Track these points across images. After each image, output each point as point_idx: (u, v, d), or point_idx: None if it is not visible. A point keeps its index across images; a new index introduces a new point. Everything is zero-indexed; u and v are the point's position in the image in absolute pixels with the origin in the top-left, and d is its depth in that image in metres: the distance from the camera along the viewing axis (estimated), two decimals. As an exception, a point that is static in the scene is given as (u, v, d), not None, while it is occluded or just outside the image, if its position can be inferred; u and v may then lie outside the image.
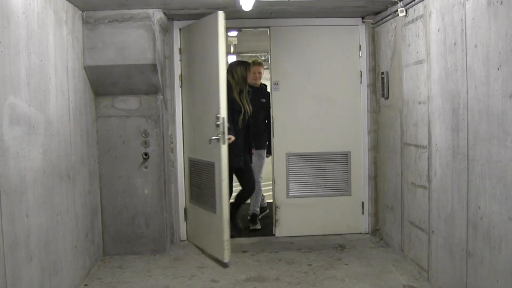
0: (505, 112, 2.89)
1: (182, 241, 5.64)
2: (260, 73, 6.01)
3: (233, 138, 5.10)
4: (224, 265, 4.73)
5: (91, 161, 4.76)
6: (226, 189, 4.71)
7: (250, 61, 5.89)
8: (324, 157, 5.74)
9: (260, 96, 6.13)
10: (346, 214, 5.78)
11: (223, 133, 4.60)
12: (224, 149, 4.61)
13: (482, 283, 3.24)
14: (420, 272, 4.36)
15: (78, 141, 4.32)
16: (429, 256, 4.16)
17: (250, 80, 5.67)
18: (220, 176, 4.66)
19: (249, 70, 5.65)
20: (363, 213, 5.78)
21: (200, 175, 5.20)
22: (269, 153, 6.10)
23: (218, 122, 4.62)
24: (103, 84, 4.85)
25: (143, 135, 5.02)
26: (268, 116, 5.90)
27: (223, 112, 4.59)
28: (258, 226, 6.04)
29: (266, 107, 5.97)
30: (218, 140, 4.63)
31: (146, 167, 5.05)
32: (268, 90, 6.08)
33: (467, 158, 3.41)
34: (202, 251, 5.20)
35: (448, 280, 3.79)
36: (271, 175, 5.72)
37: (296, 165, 5.72)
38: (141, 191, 5.07)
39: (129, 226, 5.09)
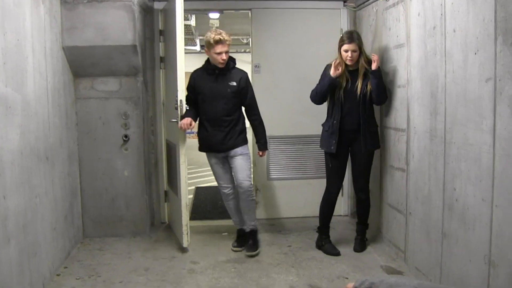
0: (481, 96, 2.93)
1: (163, 223, 5.65)
2: (226, 52, 4.47)
3: (186, 121, 4.43)
4: (184, 250, 4.74)
5: (70, 143, 4.73)
6: (184, 171, 4.68)
7: (213, 39, 4.42)
8: (305, 140, 5.77)
9: (228, 79, 4.64)
10: (326, 196, 5.82)
11: (181, 115, 4.59)
12: (181, 132, 4.58)
13: (456, 262, 3.31)
14: (398, 253, 4.43)
15: (57, 123, 4.28)
16: (406, 237, 4.23)
17: (213, 61, 4.54)
18: (179, 158, 4.65)
19: (211, 49, 4.47)
20: (342, 195, 5.82)
21: (172, 157, 5.20)
22: (263, 148, 4.84)
23: (175, 105, 4.63)
24: (83, 65, 4.80)
25: (123, 117, 5.00)
26: (237, 104, 4.67)
27: (180, 95, 4.56)
28: (256, 252, 4.67)
29: (237, 94, 4.62)
30: (177, 122, 4.62)
31: (126, 149, 5.03)
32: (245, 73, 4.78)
33: (444, 141, 3.46)
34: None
35: (424, 260, 3.86)
36: (252, 158, 5.73)
37: (277, 147, 5.74)
38: (121, 173, 5.05)
39: (110, 209, 5.08)
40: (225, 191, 4.73)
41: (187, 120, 4.46)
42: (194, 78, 4.64)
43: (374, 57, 4.40)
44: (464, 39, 3.14)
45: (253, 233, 4.76)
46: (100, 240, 4.97)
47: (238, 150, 4.59)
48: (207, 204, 6.71)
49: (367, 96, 4.47)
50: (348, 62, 4.42)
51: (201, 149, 4.73)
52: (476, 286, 3.02)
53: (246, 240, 4.75)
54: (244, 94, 4.63)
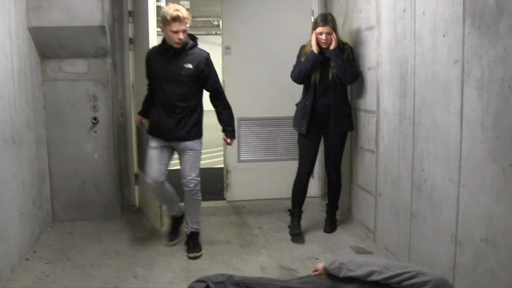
0: (450, 78, 2.97)
1: (133, 206, 5.62)
2: (184, 31, 3.91)
3: (137, 119, 4.57)
4: (155, 232, 4.75)
5: (38, 126, 4.64)
6: None
7: (170, 16, 3.87)
8: (276, 122, 5.78)
9: (183, 61, 4.04)
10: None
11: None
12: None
13: (424, 242, 3.38)
14: (367, 233, 4.50)
15: (23, 106, 4.20)
16: (376, 218, 4.29)
17: (168, 40, 3.98)
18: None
19: (167, 27, 3.91)
20: (313, 177, 5.86)
21: (143, 139, 5.15)
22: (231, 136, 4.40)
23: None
24: (50, 46, 4.69)
25: (92, 100, 4.92)
26: (195, 90, 4.13)
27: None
28: (200, 253, 4.23)
29: (195, 78, 4.06)
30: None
31: (95, 132, 4.96)
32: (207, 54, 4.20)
33: (413, 123, 3.50)
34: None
35: (393, 240, 3.92)
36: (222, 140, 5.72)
37: (247, 129, 5.74)
38: (91, 156, 4.99)
39: (79, 192, 5.02)
40: (148, 180, 4.17)
41: (137, 118, 4.51)
42: (148, 58, 4.18)
43: (333, 37, 4.39)
44: (433, 22, 3.17)
45: (194, 236, 4.26)
46: (70, 224, 4.92)
47: (189, 144, 4.12)
48: (178, 187, 6.66)
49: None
50: (323, 45, 4.39)
51: (149, 131, 4.25)
52: (443, 264, 3.09)
53: (178, 235, 4.47)
54: (204, 78, 4.11)
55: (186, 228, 4.30)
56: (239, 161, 5.79)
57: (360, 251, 4.23)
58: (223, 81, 5.62)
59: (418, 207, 3.47)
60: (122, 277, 3.73)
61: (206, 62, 4.08)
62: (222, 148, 5.88)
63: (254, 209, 5.50)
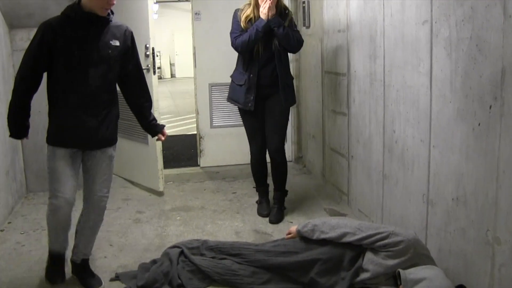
0: (418, 38, 2.96)
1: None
2: None
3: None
4: (160, 193, 4.80)
5: (8, 97, 4.51)
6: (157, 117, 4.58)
7: None
8: (247, 87, 5.72)
9: (108, 35, 2.98)
10: (270, 143, 5.86)
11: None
12: None
13: (396, 203, 3.42)
14: (341, 196, 4.54)
15: (-10, 76, 4.08)
16: (349, 181, 4.33)
17: (91, 5, 2.86)
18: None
19: None
20: (286, 141, 5.87)
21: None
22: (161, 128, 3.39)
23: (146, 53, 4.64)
24: (18, 16, 4.54)
25: (60, 69, 4.79)
26: (117, 75, 3.11)
27: (152, 42, 4.55)
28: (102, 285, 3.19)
29: (119, 58, 3.04)
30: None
31: (64, 102, 4.85)
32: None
33: (384, 84, 3.50)
34: (132, 183, 5.19)
35: (366, 202, 3.97)
36: (194, 106, 5.67)
37: (219, 95, 5.67)
38: (61, 126, 4.89)
39: (51, 163, 4.94)
40: (60, 202, 2.96)
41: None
42: (52, 32, 2.85)
43: (265, 4, 3.92)
44: (402, -18, 3.14)
45: (87, 263, 3.24)
46: (44, 195, 4.81)
47: (109, 150, 3.12)
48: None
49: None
50: (264, 10, 3.94)
51: (54, 140, 3.00)
52: (415, 224, 3.14)
53: (76, 272, 3.24)
54: (128, 59, 3.11)
55: (75, 255, 3.21)
56: (212, 126, 5.74)
57: (334, 213, 4.28)
58: (194, 47, 5.55)
59: (390, 168, 3.50)
60: (97, 245, 3.69)
61: (131, 37, 3.12)
62: (194, 115, 5.83)
63: (228, 174, 5.50)
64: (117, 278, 3.23)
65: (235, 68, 4.27)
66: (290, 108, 4.37)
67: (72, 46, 2.87)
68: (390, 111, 3.43)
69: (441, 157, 2.80)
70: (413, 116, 3.10)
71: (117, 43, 2.99)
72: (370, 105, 3.76)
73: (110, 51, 2.97)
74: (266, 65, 4.07)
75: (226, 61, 5.61)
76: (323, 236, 2.99)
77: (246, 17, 4.05)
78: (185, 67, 19.37)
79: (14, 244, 3.78)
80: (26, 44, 4.63)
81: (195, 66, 5.61)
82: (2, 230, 4.02)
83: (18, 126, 3.07)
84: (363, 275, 2.80)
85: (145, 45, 4.71)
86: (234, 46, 4.08)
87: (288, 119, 4.28)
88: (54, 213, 2.99)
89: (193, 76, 5.70)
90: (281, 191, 4.33)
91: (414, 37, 3.02)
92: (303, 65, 5.55)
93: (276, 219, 4.16)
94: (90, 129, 2.98)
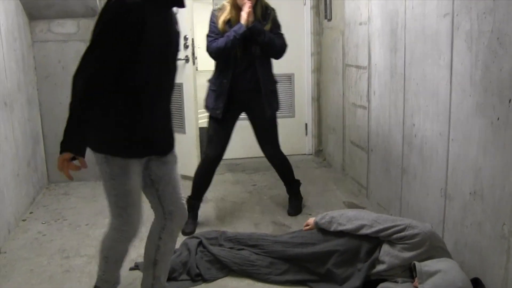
0: (439, 31, 2.95)
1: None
2: None
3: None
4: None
5: (29, 88, 4.62)
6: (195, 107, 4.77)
7: None
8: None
9: (176, 21, 2.53)
10: (290, 135, 5.87)
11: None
12: None
13: (414, 197, 3.42)
14: (360, 189, 4.54)
15: (13, 67, 4.16)
16: (368, 174, 4.33)
17: None
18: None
19: None
20: (306, 134, 5.89)
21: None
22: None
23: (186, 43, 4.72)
24: (37, 6, 4.62)
25: (83, 60, 4.86)
26: None
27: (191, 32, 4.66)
28: None
29: None
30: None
31: (87, 93, 4.92)
32: None
33: (404, 77, 3.49)
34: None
35: (384, 195, 3.97)
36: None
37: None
38: (84, 117, 4.97)
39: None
40: (134, 231, 2.51)
41: (71, 163, 2.20)
42: (141, 11, 2.16)
43: (245, 7, 3.60)
44: (424, -26, 3.13)
45: None
46: (65, 185, 4.95)
47: (174, 151, 2.59)
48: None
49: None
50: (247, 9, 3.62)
51: (125, 150, 2.33)
52: (433, 217, 3.13)
53: None
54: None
55: None
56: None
57: (352, 206, 4.28)
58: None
59: (409, 161, 3.49)
60: (117, 236, 3.78)
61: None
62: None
63: (248, 167, 5.53)
64: (136, 267, 3.28)
65: (213, 70, 3.88)
66: (312, 101, 4.26)
67: (161, 35, 2.32)
68: (410, 104, 3.43)
69: (460, 151, 2.79)
70: (432, 109, 3.10)
71: (178, 28, 2.52)
72: (390, 99, 3.76)
73: (178, 37, 2.53)
74: (246, 69, 3.74)
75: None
76: (340, 228, 3.00)
77: (224, 19, 3.70)
78: (206, 60, 19.51)
79: (35, 234, 3.85)
80: (46, 36, 4.79)
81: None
82: (24, 220, 4.11)
83: (83, 136, 2.19)
84: (379, 267, 2.82)
85: (185, 36, 4.75)
86: (208, 51, 3.72)
87: (277, 123, 4.02)
88: (124, 243, 2.53)
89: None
90: (291, 183, 4.21)
91: (435, 30, 3.01)
92: (324, 58, 5.55)
93: (295, 211, 4.15)
94: (169, 130, 2.53)
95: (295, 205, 4.20)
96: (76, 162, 2.19)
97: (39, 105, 4.86)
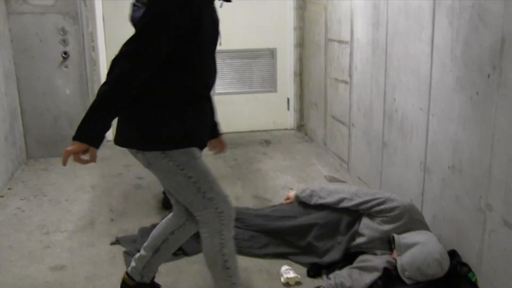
0: (421, 6, 2.95)
1: (108, 141, 5.60)
2: None
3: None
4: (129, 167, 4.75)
5: (6, 61, 4.53)
6: None
7: None
8: (250, 54, 5.72)
9: None
10: (272, 110, 5.88)
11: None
12: None
13: (395, 170, 3.45)
14: (341, 164, 4.57)
15: (-11, 40, 4.09)
16: (349, 149, 4.35)
17: None
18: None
19: None
20: (288, 109, 5.89)
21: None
22: None
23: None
24: (13, -23, 4.53)
25: (61, 33, 4.79)
26: None
27: None
28: None
29: None
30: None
31: (66, 67, 4.87)
32: None
33: (386, 52, 3.49)
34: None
35: (365, 169, 4.00)
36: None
37: (221, 62, 5.67)
38: (63, 91, 4.92)
39: (52, 128, 4.97)
40: (226, 208, 2.26)
41: (92, 152, 2.05)
42: (199, 4, 2.05)
43: None
44: None
45: None
46: (44, 161, 4.91)
47: None
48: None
49: None
50: None
51: (190, 142, 2.18)
52: (412, 191, 3.17)
53: None
54: None
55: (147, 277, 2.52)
56: (214, 93, 5.74)
57: (334, 180, 4.31)
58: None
59: (389, 136, 3.52)
60: (97, 211, 3.77)
61: None
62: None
63: (229, 141, 5.47)
64: (117, 242, 3.28)
65: None
66: (295, 76, 4.26)
67: (213, 25, 2.22)
68: (391, 79, 3.44)
69: (439, 126, 2.82)
70: (413, 84, 3.11)
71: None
72: (372, 74, 3.76)
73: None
74: None
75: (229, 28, 5.59)
76: (320, 201, 3.03)
77: None
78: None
79: (14, 210, 3.82)
80: (22, 8, 4.68)
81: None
82: (2, 196, 4.07)
83: (105, 129, 2.06)
84: (359, 240, 2.85)
85: None
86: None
87: None
88: (229, 228, 2.27)
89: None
90: None
91: (417, 5, 3.01)
92: (307, 33, 5.53)
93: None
94: (210, 123, 2.46)
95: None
96: (85, 156, 2.01)
97: (16, 80, 4.77)
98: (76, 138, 1.97)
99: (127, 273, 2.52)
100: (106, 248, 3.19)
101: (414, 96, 3.11)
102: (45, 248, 3.21)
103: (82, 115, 2.03)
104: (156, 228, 2.52)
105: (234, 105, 5.79)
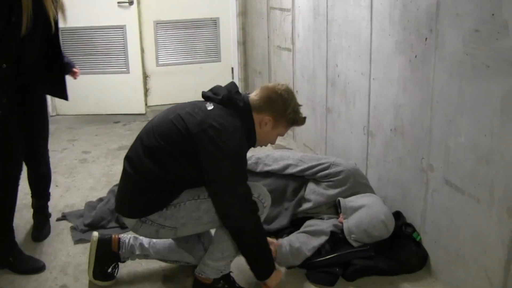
0: (360, -29, 2.97)
1: (51, 116, 5.45)
2: None
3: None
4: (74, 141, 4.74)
5: None
6: None
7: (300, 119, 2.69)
8: (193, 24, 5.64)
9: None
10: (217, 80, 5.77)
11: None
12: None
13: (339, 135, 3.51)
14: (287, 131, 4.59)
15: None
16: (294, 116, 4.37)
17: (261, 139, 2.65)
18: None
19: (278, 127, 2.63)
20: (233, 78, 5.85)
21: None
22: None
23: None
24: None
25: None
26: None
27: None
28: None
29: None
30: None
31: None
32: None
33: (327, 19, 3.51)
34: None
35: (311, 136, 4.04)
36: (139, 45, 5.54)
37: (165, 33, 5.58)
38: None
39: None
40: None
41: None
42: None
43: None
44: None
45: None
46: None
47: None
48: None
49: None
50: None
51: None
52: (357, 155, 3.24)
53: None
54: None
55: None
56: (158, 65, 5.66)
57: (280, 148, 4.34)
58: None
59: (333, 102, 3.56)
60: (42, 188, 3.68)
61: None
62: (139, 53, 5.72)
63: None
64: (63, 217, 3.22)
65: None
66: (238, 45, 4.20)
67: None
68: (333, 45, 3.46)
69: (381, 89, 2.87)
70: (354, 50, 3.14)
71: None
72: (314, 40, 3.78)
73: None
74: None
75: (170, -3, 5.51)
76: (266, 168, 3.05)
77: None
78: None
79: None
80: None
81: (138, 3, 5.45)
82: None
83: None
84: (306, 205, 2.89)
85: None
86: None
87: None
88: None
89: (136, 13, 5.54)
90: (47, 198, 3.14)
91: (355, -30, 3.02)
92: (249, 1, 5.48)
93: (44, 236, 3.00)
94: None
95: (45, 224, 3.09)
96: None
97: None
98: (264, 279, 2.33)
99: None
100: (53, 224, 3.13)
101: (355, 61, 3.14)
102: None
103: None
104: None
105: (178, 76, 5.72)
